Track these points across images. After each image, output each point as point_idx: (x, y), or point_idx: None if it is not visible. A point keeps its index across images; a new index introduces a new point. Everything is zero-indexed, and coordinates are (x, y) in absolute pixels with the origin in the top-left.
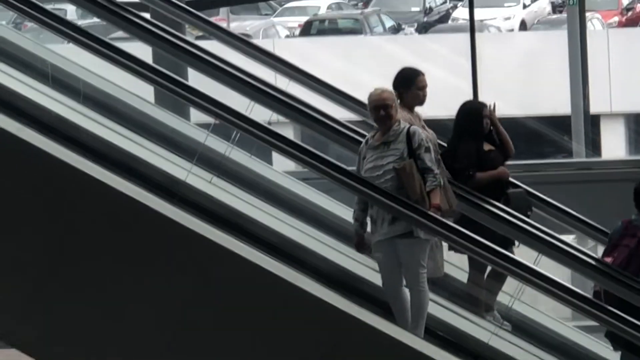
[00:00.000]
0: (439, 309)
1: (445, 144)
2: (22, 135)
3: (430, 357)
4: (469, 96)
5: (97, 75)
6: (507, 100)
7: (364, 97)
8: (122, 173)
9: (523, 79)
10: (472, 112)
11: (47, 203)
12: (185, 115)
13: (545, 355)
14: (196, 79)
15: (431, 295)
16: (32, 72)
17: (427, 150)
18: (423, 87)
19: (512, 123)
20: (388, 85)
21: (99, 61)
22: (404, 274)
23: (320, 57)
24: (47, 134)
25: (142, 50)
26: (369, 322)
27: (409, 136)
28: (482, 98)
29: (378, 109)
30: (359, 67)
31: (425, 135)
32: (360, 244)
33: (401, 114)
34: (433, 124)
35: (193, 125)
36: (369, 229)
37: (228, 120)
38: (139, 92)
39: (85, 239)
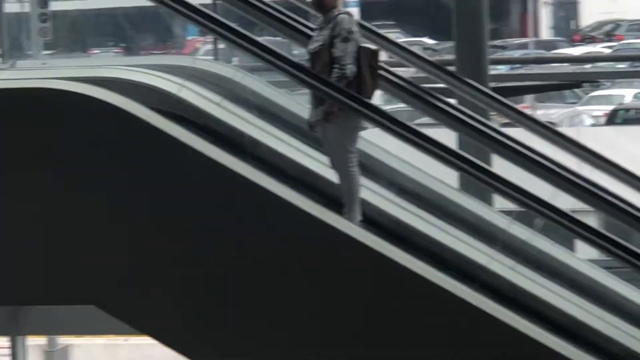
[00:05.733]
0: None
1: None
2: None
3: (358, 240)
4: None
5: (402, 160)
6: None
7: None
8: (426, 259)
9: None
10: None
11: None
12: (489, 202)
13: None
14: (500, 166)
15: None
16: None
17: (345, 40)
18: None
19: None
20: None
21: (405, 146)
22: (331, 159)
23: (626, 146)
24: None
25: (446, 136)
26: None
27: (334, 25)
28: None
29: (313, 4)
30: None
31: (351, 26)
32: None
33: None
34: None
35: (496, 211)
36: None
37: (531, 207)
38: (443, 178)
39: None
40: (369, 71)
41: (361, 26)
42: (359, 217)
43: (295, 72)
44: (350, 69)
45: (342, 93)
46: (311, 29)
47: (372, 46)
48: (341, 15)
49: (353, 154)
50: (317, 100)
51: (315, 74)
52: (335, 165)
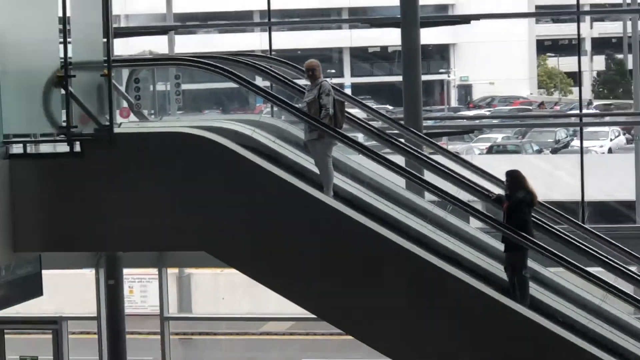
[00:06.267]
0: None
1: None
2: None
3: (331, 206)
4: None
5: (373, 172)
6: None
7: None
8: (385, 225)
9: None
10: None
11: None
12: (422, 195)
13: None
14: (429, 176)
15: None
16: (341, 172)
17: (327, 95)
18: None
19: None
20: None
21: (375, 165)
22: (317, 161)
23: (498, 166)
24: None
25: (399, 160)
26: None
27: (321, 89)
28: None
29: (307, 71)
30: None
31: (329, 87)
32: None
33: None
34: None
35: (426, 201)
36: None
37: (445, 199)
38: (397, 182)
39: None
40: (339, 113)
41: (351, 98)
42: (331, 193)
43: (304, 117)
44: (331, 111)
45: (325, 126)
46: (307, 90)
47: (341, 99)
48: (323, 82)
49: (329, 158)
50: (310, 129)
51: (312, 115)
52: (318, 164)
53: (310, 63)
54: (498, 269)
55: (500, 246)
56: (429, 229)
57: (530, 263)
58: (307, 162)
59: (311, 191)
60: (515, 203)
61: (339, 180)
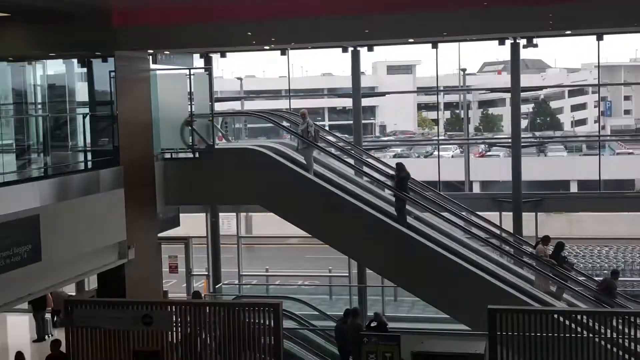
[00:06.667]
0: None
1: None
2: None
3: (315, 182)
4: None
5: (339, 167)
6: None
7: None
8: (342, 191)
9: (449, 170)
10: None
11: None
12: (362, 177)
13: None
14: (365, 168)
15: None
16: (319, 164)
17: (311, 126)
18: None
19: None
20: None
21: (341, 164)
22: (305, 158)
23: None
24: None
25: (350, 160)
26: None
27: (307, 123)
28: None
29: (301, 115)
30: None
31: (313, 124)
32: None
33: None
34: None
35: (364, 180)
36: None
37: (376, 180)
38: (350, 172)
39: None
40: (317, 136)
41: (326, 130)
42: (312, 174)
43: (301, 137)
44: (313, 134)
45: (310, 142)
46: (300, 124)
47: (318, 129)
48: (308, 120)
49: (312, 157)
50: (302, 143)
51: (303, 136)
52: (305, 160)
53: (302, 110)
54: (392, 210)
55: (393, 198)
56: (364, 193)
57: (412, 209)
58: (302, 159)
59: (304, 173)
60: (400, 178)
61: (318, 168)
